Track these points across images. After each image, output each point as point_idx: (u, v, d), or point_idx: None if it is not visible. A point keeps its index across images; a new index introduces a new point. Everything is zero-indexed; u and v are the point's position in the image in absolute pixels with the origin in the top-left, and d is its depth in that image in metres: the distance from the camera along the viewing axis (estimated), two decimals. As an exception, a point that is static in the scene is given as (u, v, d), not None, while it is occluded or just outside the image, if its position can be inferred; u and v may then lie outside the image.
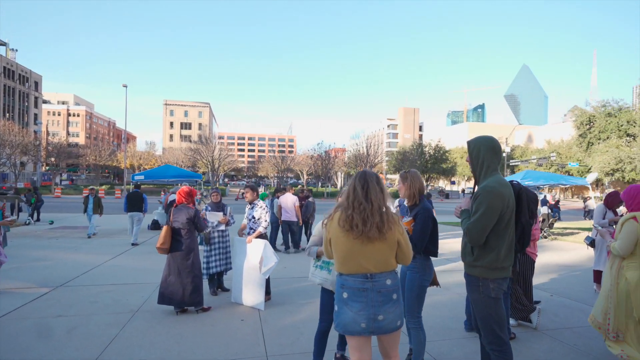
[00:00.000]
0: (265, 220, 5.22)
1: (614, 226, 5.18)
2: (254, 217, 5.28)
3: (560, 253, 10.14)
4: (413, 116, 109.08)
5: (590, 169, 33.22)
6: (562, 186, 22.36)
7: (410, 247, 2.32)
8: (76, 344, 3.80)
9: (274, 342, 3.93)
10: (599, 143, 32.15)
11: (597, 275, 5.96)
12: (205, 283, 5.45)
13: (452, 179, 64.36)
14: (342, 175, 61.59)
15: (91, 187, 12.12)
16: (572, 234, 14.35)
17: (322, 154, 58.22)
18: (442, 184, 73.70)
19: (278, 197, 9.65)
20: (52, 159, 49.54)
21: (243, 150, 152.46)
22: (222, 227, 5.73)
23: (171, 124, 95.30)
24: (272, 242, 9.14)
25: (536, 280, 6.29)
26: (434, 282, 3.26)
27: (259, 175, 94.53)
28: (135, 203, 10.28)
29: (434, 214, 3.10)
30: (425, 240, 3.00)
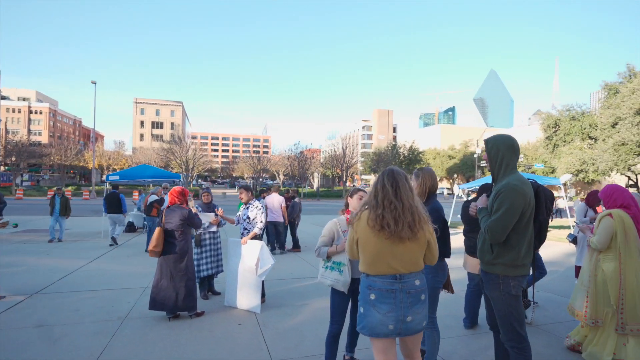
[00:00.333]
0: (261, 221, 5.08)
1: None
2: (248, 218, 5.13)
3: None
4: (387, 118, 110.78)
5: (554, 169, 34.99)
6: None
7: (437, 247, 2.29)
8: (63, 357, 3.51)
9: (278, 346, 3.81)
10: (564, 145, 33.75)
11: (579, 271, 6.20)
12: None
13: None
14: (319, 176, 61.62)
15: (57, 187, 11.42)
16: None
17: (298, 155, 58.07)
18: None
19: (264, 198, 9.47)
20: (13, 159, 46.66)
21: (217, 150, 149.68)
22: (214, 229, 5.52)
23: (142, 122, 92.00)
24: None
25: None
26: (448, 286, 3.24)
27: (233, 175, 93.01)
28: (113, 204, 9.79)
29: (444, 215, 3.08)
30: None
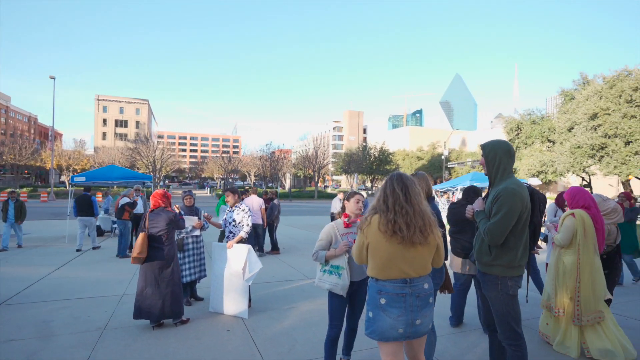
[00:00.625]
0: (248, 225, 4.98)
1: None
2: (234, 221, 5.01)
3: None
4: (358, 119, 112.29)
5: (516, 170, 36.92)
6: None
7: (444, 250, 2.33)
8: (40, 372, 3.28)
9: (270, 351, 3.74)
10: (525, 148, 35.58)
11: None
12: (179, 293, 5.03)
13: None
14: (291, 177, 61.37)
15: (11, 189, 10.66)
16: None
17: (269, 155, 57.56)
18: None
19: (243, 199, 9.29)
20: (-42, 158, 43.08)
21: (185, 150, 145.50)
22: (197, 233, 5.36)
23: (104, 121, 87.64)
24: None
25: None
26: (447, 288, 3.31)
27: (202, 176, 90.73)
28: (85, 207, 9.25)
29: (442, 218, 3.15)
30: None
